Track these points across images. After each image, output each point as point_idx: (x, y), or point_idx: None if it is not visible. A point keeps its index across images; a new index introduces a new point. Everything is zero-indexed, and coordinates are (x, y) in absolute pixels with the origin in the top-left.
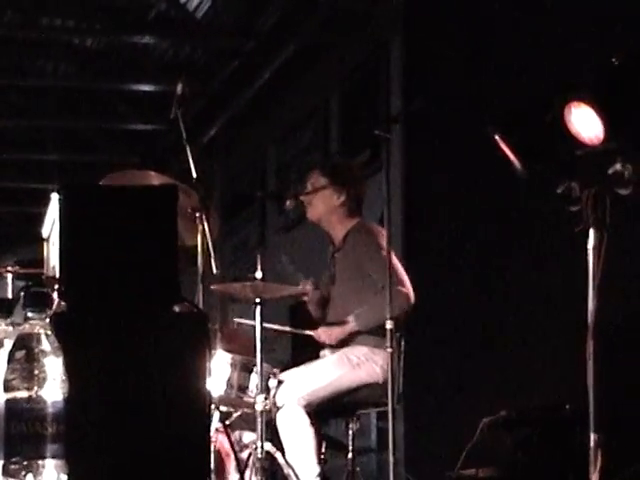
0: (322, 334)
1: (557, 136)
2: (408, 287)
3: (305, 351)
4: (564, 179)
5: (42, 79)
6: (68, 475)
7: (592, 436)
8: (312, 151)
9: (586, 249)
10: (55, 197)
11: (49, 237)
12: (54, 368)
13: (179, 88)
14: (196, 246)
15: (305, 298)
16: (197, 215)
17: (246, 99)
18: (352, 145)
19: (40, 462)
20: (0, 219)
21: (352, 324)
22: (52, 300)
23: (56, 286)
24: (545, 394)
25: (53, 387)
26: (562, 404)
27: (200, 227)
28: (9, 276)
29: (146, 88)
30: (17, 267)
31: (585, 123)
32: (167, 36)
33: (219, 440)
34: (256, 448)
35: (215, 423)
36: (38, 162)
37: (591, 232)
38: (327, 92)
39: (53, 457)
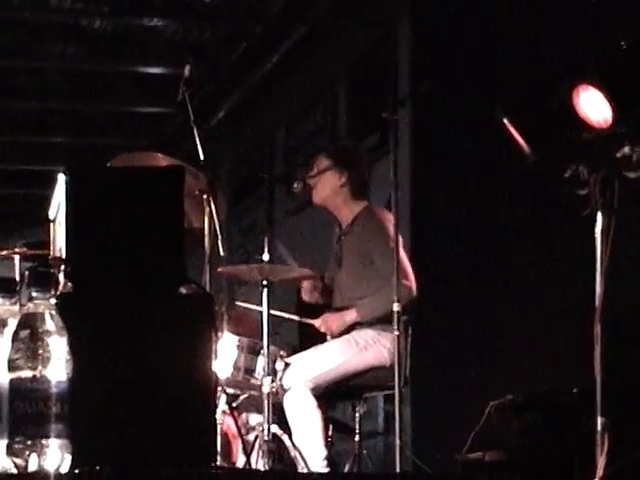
0: (323, 325)
1: (565, 119)
2: (411, 279)
3: (312, 334)
4: (572, 163)
5: (50, 61)
6: (72, 455)
7: (599, 420)
8: (320, 134)
9: (594, 233)
10: (61, 178)
11: (56, 218)
12: (58, 348)
13: (186, 70)
14: (203, 228)
15: (303, 286)
16: (204, 197)
17: (254, 82)
18: (360, 128)
19: (44, 441)
20: (8, 201)
21: (353, 315)
22: (57, 280)
23: (62, 267)
24: (552, 378)
25: (57, 367)
26: (569, 388)
27: (207, 209)
28: (16, 257)
29: (154, 70)
30: (24, 249)
31: (593, 106)
32: (175, 18)
33: (226, 422)
34: (263, 430)
35: (222, 405)
36: (46, 144)
37: (599, 216)
38: (335, 75)
39: (57, 437)
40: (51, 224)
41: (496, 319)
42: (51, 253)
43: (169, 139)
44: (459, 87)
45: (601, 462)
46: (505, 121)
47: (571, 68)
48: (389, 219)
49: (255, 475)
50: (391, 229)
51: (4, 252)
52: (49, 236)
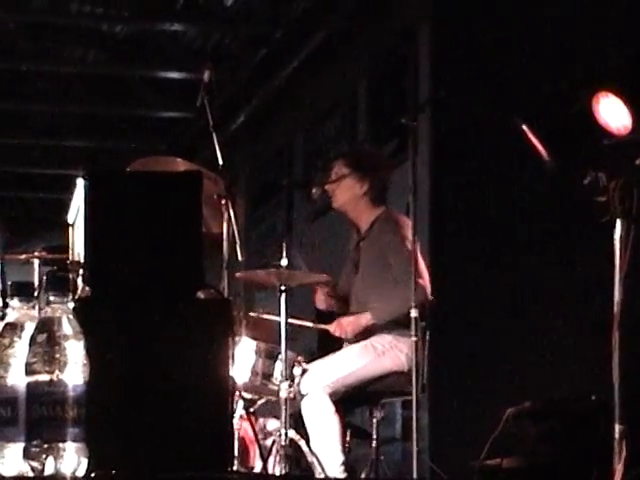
0: (337, 329)
1: (585, 126)
2: (426, 281)
3: (330, 340)
4: (591, 169)
5: (71, 66)
6: (88, 459)
7: (617, 427)
8: (340, 139)
9: (613, 240)
10: (80, 183)
11: (74, 223)
12: (75, 352)
13: (206, 75)
14: (222, 233)
15: (316, 294)
16: (223, 202)
17: (274, 87)
18: (380, 133)
19: (60, 445)
20: (29, 205)
21: (367, 317)
22: (75, 285)
23: (80, 271)
24: (570, 385)
25: (74, 371)
26: (587, 395)
27: (226, 214)
28: (36, 262)
29: (174, 75)
30: (44, 253)
31: (613, 113)
32: (196, 23)
33: (243, 427)
34: (280, 435)
35: (239, 410)
36: (65, 148)
37: (618, 223)
38: (355, 80)
39: (73, 440)
40: (70, 228)
41: (514, 325)
42: (70, 257)
43: (188, 144)
44: (479, 93)
45: (619, 469)
46: (524, 127)
47: (591, 75)
48: (407, 223)
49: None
50: (408, 233)
51: (23, 256)
52: (68, 240)
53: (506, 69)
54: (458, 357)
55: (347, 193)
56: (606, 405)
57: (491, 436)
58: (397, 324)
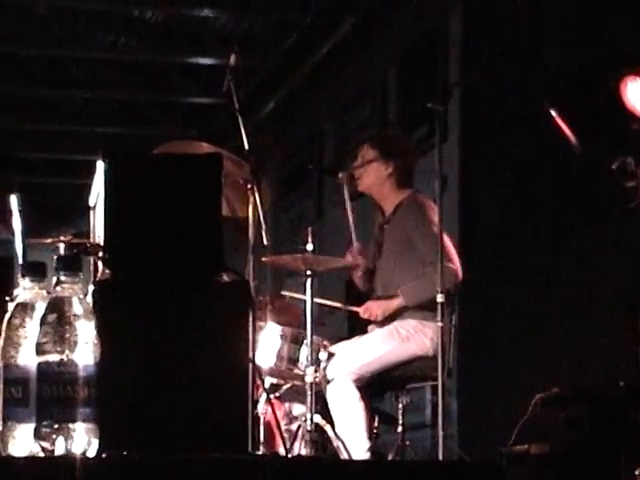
0: (367, 312)
1: (613, 111)
2: (456, 263)
3: (360, 325)
4: (619, 154)
5: (101, 51)
6: (99, 439)
7: None
8: (370, 125)
9: None
10: (100, 166)
11: (95, 206)
12: (86, 332)
13: (232, 59)
14: (247, 218)
15: (354, 271)
16: (249, 187)
17: (304, 73)
18: (410, 119)
19: (71, 425)
20: (59, 191)
21: (399, 299)
22: (96, 267)
23: (100, 254)
24: (599, 371)
25: (85, 351)
26: (616, 381)
27: (252, 199)
28: (61, 246)
29: (205, 61)
30: (70, 237)
31: None
32: (226, 9)
33: (269, 412)
34: (305, 420)
35: (265, 395)
36: (97, 135)
37: None
38: (385, 66)
39: (84, 421)
40: (91, 212)
41: (544, 311)
42: (90, 240)
43: (220, 129)
44: (508, 78)
45: None
46: (553, 113)
47: (619, 59)
48: (432, 207)
49: (283, 461)
50: (434, 216)
51: (49, 240)
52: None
53: (535, 54)
54: (487, 343)
55: (372, 176)
56: (635, 391)
57: (519, 422)
58: (422, 308)
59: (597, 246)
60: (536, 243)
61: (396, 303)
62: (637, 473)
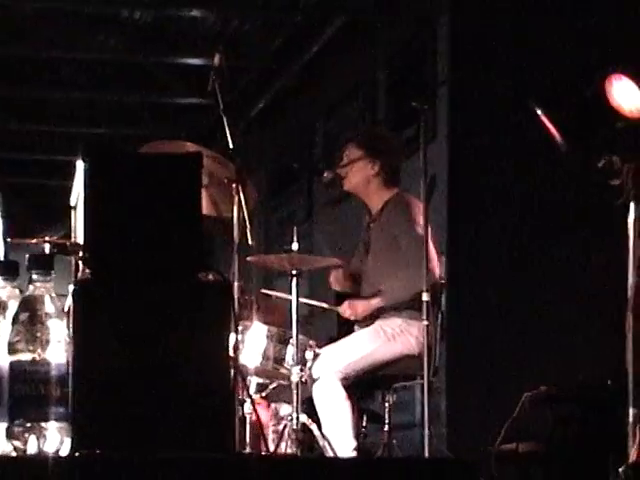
0: (347, 310)
1: (598, 109)
2: (434, 263)
3: (347, 326)
4: (605, 152)
5: (90, 52)
6: (71, 438)
7: (631, 411)
8: (360, 125)
9: (626, 223)
10: (80, 165)
11: (76, 205)
12: (58, 330)
13: (216, 59)
14: (232, 217)
15: (333, 273)
16: (233, 186)
17: (294, 72)
18: (399, 118)
19: (43, 424)
20: (49, 192)
21: (377, 299)
22: (77, 266)
23: (80, 253)
24: (586, 369)
25: (57, 349)
26: (603, 380)
27: (236, 198)
28: (46, 246)
29: (193, 61)
30: (54, 238)
31: (626, 96)
32: (214, 9)
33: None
34: (292, 420)
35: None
36: (83, 135)
37: (632, 206)
38: (374, 65)
39: (56, 419)
40: (72, 211)
41: (530, 310)
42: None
43: (208, 130)
44: (496, 78)
45: (634, 453)
46: (538, 111)
47: (604, 58)
48: (418, 206)
49: (264, 460)
50: (419, 216)
51: (33, 241)
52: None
53: (522, 53)
54: (476, 342)
55: (358, 175)
56: (621, 389)
57: (507, 421)
58: (407, 308)
59: (583, 245)
60: (524, 242)
61: (375, 302)
62: (621, 471)
